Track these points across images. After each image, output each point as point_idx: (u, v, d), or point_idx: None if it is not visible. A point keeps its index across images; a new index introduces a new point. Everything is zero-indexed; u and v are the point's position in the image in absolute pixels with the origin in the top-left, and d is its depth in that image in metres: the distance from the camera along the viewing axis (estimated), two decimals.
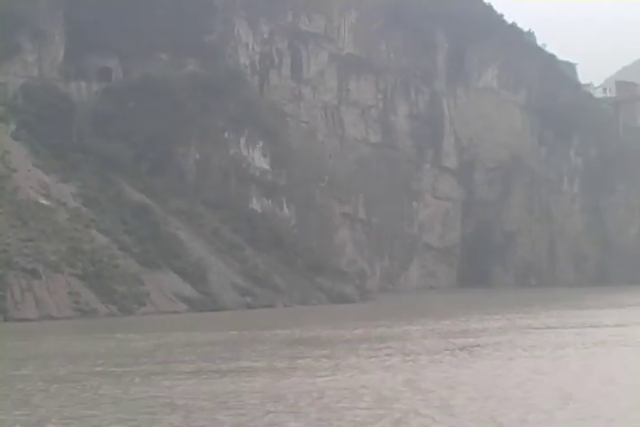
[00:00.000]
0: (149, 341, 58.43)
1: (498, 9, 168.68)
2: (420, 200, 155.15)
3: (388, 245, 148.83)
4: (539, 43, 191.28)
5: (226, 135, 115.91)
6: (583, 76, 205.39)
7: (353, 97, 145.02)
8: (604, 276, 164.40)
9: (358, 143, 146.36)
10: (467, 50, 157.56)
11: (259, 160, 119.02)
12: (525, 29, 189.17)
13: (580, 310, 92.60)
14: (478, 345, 54.67)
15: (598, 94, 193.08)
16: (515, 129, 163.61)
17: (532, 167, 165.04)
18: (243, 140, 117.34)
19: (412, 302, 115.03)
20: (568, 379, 38.98)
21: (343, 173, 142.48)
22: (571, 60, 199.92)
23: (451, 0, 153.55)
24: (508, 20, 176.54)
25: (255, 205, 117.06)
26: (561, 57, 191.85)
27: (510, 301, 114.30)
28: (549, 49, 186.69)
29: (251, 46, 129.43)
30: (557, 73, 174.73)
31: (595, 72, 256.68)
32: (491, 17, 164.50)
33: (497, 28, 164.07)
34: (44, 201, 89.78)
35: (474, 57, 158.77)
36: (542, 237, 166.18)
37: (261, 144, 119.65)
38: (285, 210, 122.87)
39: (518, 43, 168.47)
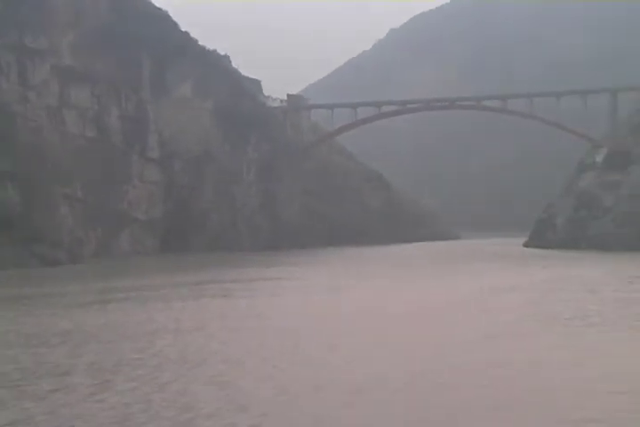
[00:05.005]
0: None
1: (195, 36, 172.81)
2: (130, 183, 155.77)
3: (103, 219, 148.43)
4: (234, 65, 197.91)
5: None
6: (277, 92, 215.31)
7: (72, 101, 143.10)
8: (273, 242, 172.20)
9: (77, 138, 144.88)
10: (167, 67, 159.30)
11: None
12: (222, 54, 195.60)
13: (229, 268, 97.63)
14: (122, 299, 55.66)
15: (275, 104, 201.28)
16: (205, 129, 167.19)
17: (220, 159, 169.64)
18: None
19: (112, 265, 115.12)
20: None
21: (65, 161, 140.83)
22: (257, 78, 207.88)
23: (154, 27, 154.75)
24: (211, 46, 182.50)
25: None
26: (252, 75, 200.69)
27: (192, 263, 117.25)
28: (242, 70, 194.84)
29: None
30: (241, 87, 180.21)
31: (290, 88, 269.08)
32: (187, 42, 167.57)
33: (193, 51, 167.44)
34: None
35: (173, 72, 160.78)
36: (227, 214, 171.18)
37: None
38: (11, 192, 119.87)
39: (210, 63, 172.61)
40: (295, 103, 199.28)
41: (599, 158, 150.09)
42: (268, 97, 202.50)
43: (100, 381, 26.36)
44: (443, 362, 29.00)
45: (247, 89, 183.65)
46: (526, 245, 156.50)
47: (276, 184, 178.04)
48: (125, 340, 36.03)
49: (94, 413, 21.99)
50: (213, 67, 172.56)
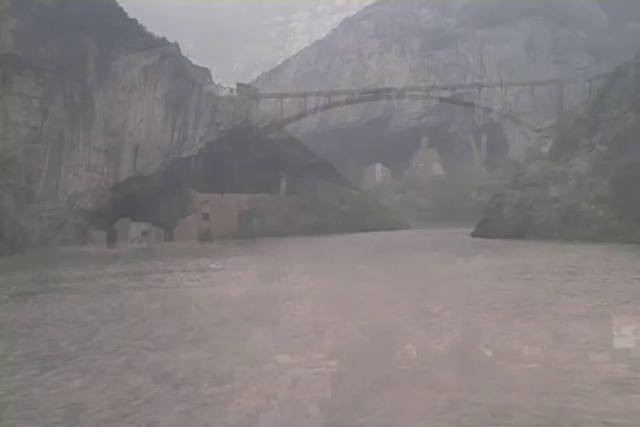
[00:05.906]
0: None
1: (144, 23, 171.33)
2: (75, 174, 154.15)
3: (48, 209, 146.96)
4: (183, 53, 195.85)
5: None
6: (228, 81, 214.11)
7: (16, 89, 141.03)
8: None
9: (21, 127, 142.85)
10: (114, 54, 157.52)
11: None
12: (172, 42, 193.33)
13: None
14: (62, 289, 55.71)
15: (225, 93, 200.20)
16: (153, 118, 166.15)
17: (167, 150, 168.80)
18: None
19: (55, 256, 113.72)
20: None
21: (8, 151, 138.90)
22: (208, 67, 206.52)
23: (100, 13, 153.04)
24: (158, 33, 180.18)
25: None
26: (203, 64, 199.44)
27: (138, 252, 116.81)
28: (192, 57, 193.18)
29: None
30: (189, 76, 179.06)
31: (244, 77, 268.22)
32: (135, 29, 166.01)
33: (140, 38, 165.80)
34: None
35: (120, 60, 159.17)
36: (174, 203, 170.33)
37: None
38: None
39: (158, 51, 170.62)
40: (245, 92, 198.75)
41: (545, 149, 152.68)
42: (218, 86, 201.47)
43: (25, 375, 26.20)
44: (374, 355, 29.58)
45: (196, 77, 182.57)
46: (474, 234, 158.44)
47: (224, 173, 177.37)
48: (62, 332, 35.95)
49: (11, 409, 21.78)
50: (161, 55, 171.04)
